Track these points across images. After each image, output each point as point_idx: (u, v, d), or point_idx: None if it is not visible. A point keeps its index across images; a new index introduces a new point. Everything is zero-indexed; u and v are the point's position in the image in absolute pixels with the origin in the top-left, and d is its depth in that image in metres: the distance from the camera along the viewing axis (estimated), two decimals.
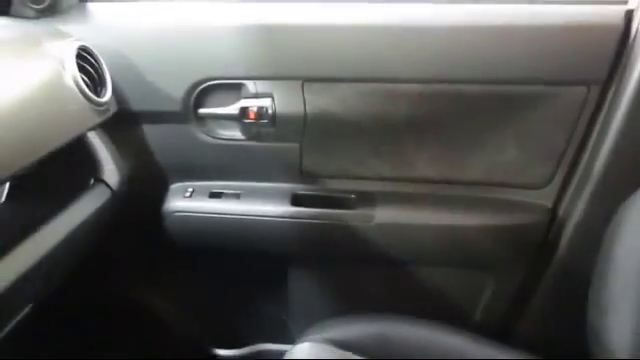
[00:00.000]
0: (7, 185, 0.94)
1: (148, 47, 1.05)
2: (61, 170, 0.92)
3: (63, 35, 0.95)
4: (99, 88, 0.95)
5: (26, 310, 0.88)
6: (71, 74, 0.89)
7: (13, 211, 0.91)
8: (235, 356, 1.40)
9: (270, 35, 1.01)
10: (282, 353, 1.01)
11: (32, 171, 0.77)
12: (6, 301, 0.75)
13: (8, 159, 0.73)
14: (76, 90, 0.89)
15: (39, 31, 0.94)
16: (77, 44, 0.92)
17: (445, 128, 1.06)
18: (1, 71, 0.78)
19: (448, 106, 1.03)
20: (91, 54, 0.95)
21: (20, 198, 0.93)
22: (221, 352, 1.40)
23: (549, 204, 1.09)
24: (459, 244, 1.12)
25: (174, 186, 1.18)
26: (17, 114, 0.77)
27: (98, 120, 0.95)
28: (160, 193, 1.18)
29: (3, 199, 0.94)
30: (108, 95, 0.96)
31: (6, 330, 0.83)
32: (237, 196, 1.15)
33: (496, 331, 1.19)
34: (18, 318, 0.87)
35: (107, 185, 1.02)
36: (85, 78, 0.92)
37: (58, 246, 0.86)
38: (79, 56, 0.92)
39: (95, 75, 0.96)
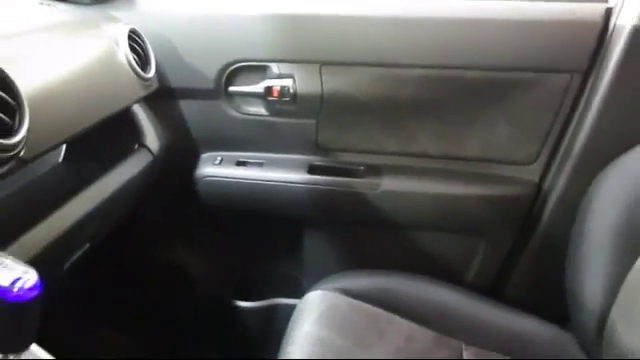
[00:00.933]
0: (64, 146, 1.08)
1: (186, 32, 1.18)
2: (111, 135, 1.04)
3: (115, 19, 1.08)
4: (145, 66, 1.09)
5: (84, 249, 1.00)
6: (124, 52, 1.02)
7: (69, 169, 1.04)
8: (253, 308, 1.51)
9: (292, 23, 1.13)
10: (294, 307, 1.12)
11: (87, 134, 0.90)
12: (66, 240, 0.87)
13: (69, 122, 0.86)
14: (127, 66, 1.03)
15: (95, 15, 1.07)
16: (128, 27, 1.05)
17: (444, 109, 1.17)
18: (66, 47, 0.91)
19: (447, 89, 1.14)
20: (139, 36, 1.08)
21: (75, 158, 1.06)
22: (241, 304, 1.51)
23: (536, 179, 1.19)
24: (455, 212, 1.23)
25: (205, 155, 1.31)
26: (79, 84, 0.89)
27: (143, 94, 1.09)
28: (192, 161, 1.30)
29: (61, 159, 1.08)
30: (152, 72, 1.10)
31: (67, 265, 0.96)
32: (260, 165, 1.27)
33: (486, 290, 1.29)
34: (77, 255, 0.99)
35: (149, 150, 1.15)
36: (135, 56, 1.05)
37: (107, 200, 0.98)
38: (129, 37, 1.05)
39: (142, 54, 1.09)
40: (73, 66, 0.89)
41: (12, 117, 0.68)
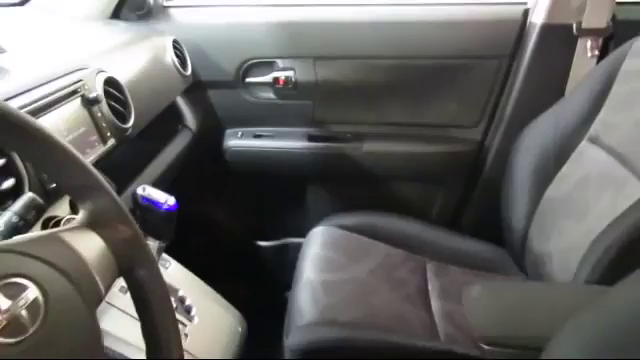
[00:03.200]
0: None
1: (211, 38, 1.47)
2: (164, 120, 1.30)
3: (160, 32, 1.37)
4: (184, 66, 1.38)
5: None
6: (170, 57, 1.31)
7: (138, 146, 1.22)
8: (269, 246, 1.75)
9: (292, 28, 1.43)
10: (300, 244, 1.35)
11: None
12: None
13: (149, 110, 1.15)
14: (173, 68, 1.32)
15: (144, 30, 1.36)
16: (171, 38, 1.34)
17: (409, 88, 1.46)
18: (136, 57, 1.20)
19: (410, 74, 1.44)
20: (178, 44, 1.38)
21: (141, 138, 1.26)
22: (260, 243, 1.74)
23: (478, 138, 1.49)
24: (419, 165, 1.52)
25: (229, 131, 1.59)
26: (150, 82, 1.18)
27: (184, 87, 1.38)
28: (220, 136, 1.59)
29: None
30: (189, 71, 1.39)
31: None
32: (272, 136, 1.56)
33: (446, 223, 1.56)
34: None
35: (190, 129, 1.45)
36: (176, 59, 1.34)
37: (167, 166, 1.27)
38: (173, 46, 1.34)
39: (181, 57, 1.38)
40: (144, 70, 1.18)
41: (124, 107, 0.98)
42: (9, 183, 0.64)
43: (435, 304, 1.15)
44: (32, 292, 0.40)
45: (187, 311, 0.93)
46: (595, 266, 0.89)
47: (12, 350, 0.37)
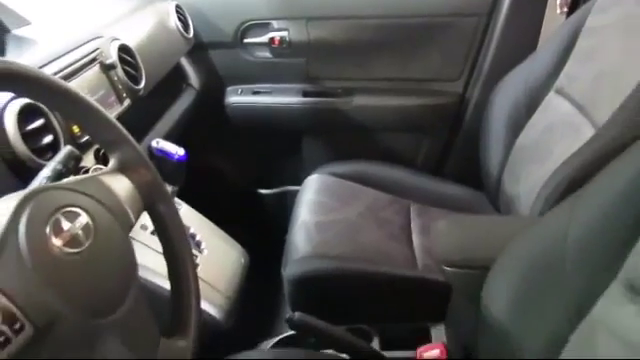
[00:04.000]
0: None
1: (211, 2, 1.57)
2: (170, 80, 1.42)
3: None
4: (187, 29, 1.48)
5: None
6: (174, 21, 1.41)
7: (148, 104, 1.30)
8: (269, 193, 1.87)
9: None
10: (297, 191, 1.45)
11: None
12: None
13: (157, 71, 1.26)
14: (177, 31, 1.42)
15: None
16: (174, 2, 1.44)
17: (394, 45, 1.56)
18: (144, 22, 1.29)
19: (395, 32, 1.54)
20: (181, 8, 1.47)
21: (150, 97, 1.33)
22: (260, 190, 1.87)
23: (460, 90, 1.58)
24: (405, 117, 1.62)
25: (230, 88, 1.70)
26: (157, 45, 1.28)
27: (187, 49, 1.49)
28: (221, 93, 1.70)
29: None
30: (191, 33, 1.50)
31: None
32: (269, 92, 1.67)
33: (431, 170, 1.67)
34: None
35: (193, 88, 1.57)
36: (179, 23, 1.44)
37: (174, 125, 1.37)
38: (175, 10, 1.44)
39: (184, 20, 1.48)
40: (150, 34, 1.29)
41: (136, 71, 1.10)
42: (48, 139, 0.77)
43: (416, 240, 1.27)
44: (84, 218, 0.53)
45: (197, 245, 1.07)
46: (547, 200, 0.99)
47: (75, 257, 0.51)
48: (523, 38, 1.43)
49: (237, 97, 1.69)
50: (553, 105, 1.21)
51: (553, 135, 1.16)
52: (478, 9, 1.47)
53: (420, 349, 0.84)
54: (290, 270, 1.15)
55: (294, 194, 1.47)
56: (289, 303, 1.17)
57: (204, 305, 0.96)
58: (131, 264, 0.58)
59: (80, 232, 0.52)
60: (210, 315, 0.98)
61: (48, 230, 0.50)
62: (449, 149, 1.66)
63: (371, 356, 0.96)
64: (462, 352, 0.93)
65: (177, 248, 0.67)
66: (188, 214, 1.16)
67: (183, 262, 0.66)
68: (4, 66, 0.52)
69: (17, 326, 0.43)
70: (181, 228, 0.68)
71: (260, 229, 1.75)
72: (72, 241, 0.51)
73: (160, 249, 0.68)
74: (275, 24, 1.57)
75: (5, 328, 0.42)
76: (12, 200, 0.50)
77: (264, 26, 1.58)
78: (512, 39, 1.45)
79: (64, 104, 0.60)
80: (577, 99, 1.13)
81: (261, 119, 1.72)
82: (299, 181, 1.51)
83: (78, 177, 0.61)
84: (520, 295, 0.76)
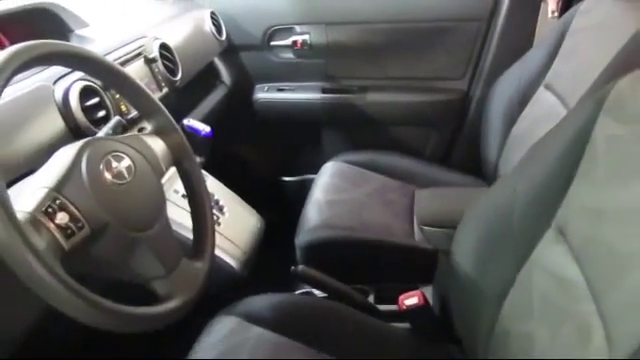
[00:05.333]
0: None
1: (241, 8, 1.74)
2: (204, 77, 1.59)
3: (200, 5, 1.65)
4: (220, 32, 1.65)
5: None
6: (208, 26, 1.59)
7: (185, 97, 1.46)
8: (290, 181, 2.01)
9: (307, 1, 1.68)
10: None
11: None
12: None
13: (192, 66, 1.42)
14: (211, 34, 1.59)
15: (187, 4, 1.63)
16: (209, 10, 1.61)
17: (404, 48, 1.69)
18: (180, 26, 1.46)
19: (405, 35, 1.67)
20: (215, 14, 1.64)
21: (187, 91, 1.44)
22: (284, 178, 2.01)
23: (464, 88, 1.70)
24: (414, 112, 1.75)
25: (257, 85, 1.87)
26: (193, 46, 1.45)
27: (220, 50, 1.66)
28: (250, 89, 1.86)
29: None
30: (224, 36, 1.67)
31: None
32: (292, 90, 1.83)
33: (438, 161, 1.76)
34: None
35: (225, 84, 1.74)
36: (213, 27, 1.61)
37: (206, 116, 1.52)
38: (210, 16, 1.62)
39: (218, 25, 1.65)
40: (188, 36, 1.46)
41: (173, 65, 1.28)
42: (102, 113, 0.95)
43: (416, 219, 1.37)
44: (127, 161, 0.71)
45: (220, 209, 1.24)
46: None
47: (120, 187, 0.68)
48: (519, 40, 1.54)
49: (264, 94, 1.86)
50: (542, 99, 1.31)
51: (540, 125, 1.25)
52: (479, 15, 1.60)
53: (401, 297, 0.96)
54: (302, 238, 1.29)
55: (313, 182, 1.58)
56: None
57: (224, 256, 1.13)
58: (160, 199, 0.75)
59: (124, 170, 0.70)
60: (228, 264, 1.15)
61: (101, 166, 0.67)
62: (454, 141, 1.77)
63: (365, 306, 1.10)
64: (440, 305, 1.06)
65: (198, 195, 0.84)
66: (214, 184, 1.32)
67: (202, 204, 0.84)
68: (79, 51, 0.71)
69: (80, 224, 0.61)
70: (201, 180, 0.85)
71: (282, 212, 1.85)
72: (118, 175, 0.69)
73: (187, 208, 0.86)
74: (298, 29, 1.72)
75: (72, 224, 0.60)
76: (77, 145, 0.68)
77: (288, 30, 1.74)
78: (510, 41, 1.56)
79: (117, 82, 0.79)
80: (560, 92, 1.24)
81: (285, 113, 1.87)
82: (318, 169, 1.63)
83: (125, 134, 0.79)
84: (480, 245, 0.89)
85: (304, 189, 1.57)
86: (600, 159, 0.71)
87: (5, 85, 0.59)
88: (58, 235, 0.58)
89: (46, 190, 0.61)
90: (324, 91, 1.81)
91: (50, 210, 0.59)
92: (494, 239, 0.86)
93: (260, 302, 1.00)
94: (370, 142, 1.77)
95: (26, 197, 0.60)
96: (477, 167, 1.54)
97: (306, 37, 1.72)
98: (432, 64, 1.71)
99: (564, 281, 0.70)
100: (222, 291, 1.01)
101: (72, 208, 0.60)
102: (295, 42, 1.73)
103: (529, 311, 0.75)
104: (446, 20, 1.64)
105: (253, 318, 0.96)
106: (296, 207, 1.47)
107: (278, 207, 1.83)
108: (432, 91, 1.74)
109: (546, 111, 1.28)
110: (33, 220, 0.57)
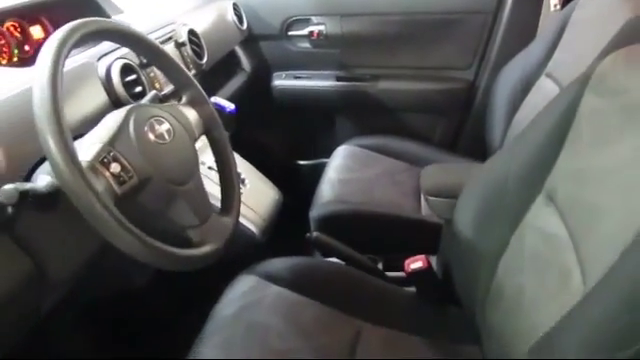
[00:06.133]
0: None
1: (262, 0, 1.82)
2: (226, 64, 1.68)
3: None
4: (241, 22, 1.74)
5: None
6: (231, 16, 1.68)
7: (209, 81, 1.50)
8: (306, 164, 2.11)
9: None
10: None
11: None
12: None
13: (216, 52, 1.51)
14: (233, 24, 1.68)
15: None
16: (232, 1, 1.70)
17: (414, 38, 1.77)
18: (203, 15, 1.55)
19: (415, 26, 1.75)
20: (237, 5, 1.74)
21: (211, 76, 1.52)
22: (300, 162, 2.11)
23: (471, 77, 1.77)
24: (423, 100, 1.82)
25: (275, 73, 1.96)
26: (216, 34, 1.54)
27: (241, 39, 1.75)
28: (268, 77, 1.95)
29: None
30: (245, 26, 1.76)
31: None
32: (309, 77, 1.92)
33: (447, 146, 1.84)
34: None
35: (245, 71, 1.83)
36: (235, 17, 1.71)
37: (230, 95, 1.63)
38: (232, 7, 1.71)
39: (239, 15, 1.74)
40: (212, 25, 1.55)
41: (200, 49, 1.37)
42: (138, 89, 1.05)
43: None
44: (167, 125, 0.81)
45: (242, 181, 1.33)
46: None
47: (162, 146, 0.78)
48: (523, 32, 1.60)
49: (281, 81, 1.95)
50: (543, 87, 1.38)
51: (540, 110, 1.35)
52: (486, 8, 1.67)
53: (407, 261, 1.05)
54: (315, 212, 1.39)
55: (326, 165, 1.65)
56: None
57: (244, 222, 1.23)
58: (194, 160, 0.85)
59: (164, 132, 0.79)
60: (249, 229, 1.24)
61: (146, 128, 0.77)
62: (461, 128, 1.85)
63: (374, 271, 1.19)
64: (443, 271, 1.15)
65: (225, 159, 0.94)
66: (236, 159, 1.40)
67: (229, 168, 0.93)
68: (129, 30, 0.80)
69: (130, 174, 0.70)
70: (228, 147, 0.95)
71: (298, 193, 1.93)
72: (159, 136, 0.78)
73: (212, 178, 0.95)
74: (314, 19, 1.81)
75: (123, 174, 0.70)
76: (124, 109, 0.77)
77: (305, 21, 1.82)
78: (514, 33, 1.63)
79: (157, 58, 0.89)
80: (560, 80, 1.30)
81: (301, 100, 1.95)
82: (331, 154, 1.70)
83: (166, 104, 0.89)
84: (479, 212, 0.97)
85: (318, 172, 1.63)
86: (584, 130, 0.79)
87: (67, 56, 0.69)
88: (112, 182, 0.68)
89: (101, 145, 0.70)
90: (338, 79, 1.89)
91: (105, 160, 0.69)
92: (491, 206, 0.95)
93: (279, 264, 1.09)
94: (381, 127, 1.84)
95: (84, 150, 0.70)
96: (482, 152, 1.60)
97: (322, 28, 1.80)
98: (440, 54, 1.78)
99: (551, 237, 0.78)
100: (243, 255, 1.10)
101: (123, 160, 0.70)
102: (312, 32, 1.81)
103: (521, 266, 0.84)
104: (454, 13, 1.71)
105: (272, 277, 1.05)
106: (310, 189, 1.54)
107: (293, 189, 1.89)
108: (440, 80, 1.81)
109: (546, 98, 1.30)
110: (92, 167, 0.67)
